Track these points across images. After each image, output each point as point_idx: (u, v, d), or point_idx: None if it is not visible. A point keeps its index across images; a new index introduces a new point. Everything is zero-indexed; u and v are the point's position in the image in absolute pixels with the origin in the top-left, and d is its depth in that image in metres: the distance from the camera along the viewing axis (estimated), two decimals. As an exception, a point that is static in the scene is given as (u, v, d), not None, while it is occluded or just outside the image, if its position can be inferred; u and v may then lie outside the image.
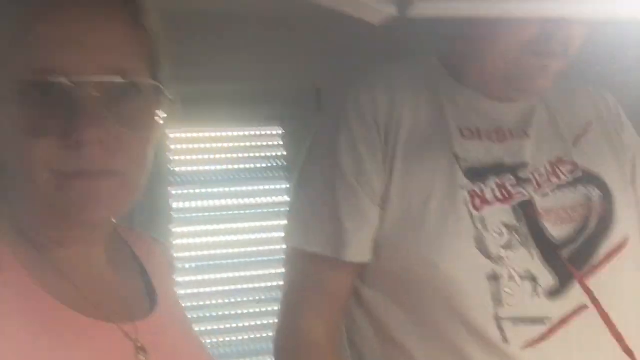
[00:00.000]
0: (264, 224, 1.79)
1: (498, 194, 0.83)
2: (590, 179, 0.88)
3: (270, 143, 1.82)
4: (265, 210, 1.80)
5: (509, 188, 0.84)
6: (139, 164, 0.61)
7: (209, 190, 1.76)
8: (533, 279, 0.80)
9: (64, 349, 0.56)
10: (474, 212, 0.81)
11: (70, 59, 0.55)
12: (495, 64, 0.84)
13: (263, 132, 1.82)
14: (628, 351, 0.80)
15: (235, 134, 1.80)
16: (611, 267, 0.83)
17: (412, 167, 0.83)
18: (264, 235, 1.78)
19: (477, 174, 0.83)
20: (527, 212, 0.83)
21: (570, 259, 0.82)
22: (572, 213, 0.85)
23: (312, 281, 0.87)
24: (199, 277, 1.69)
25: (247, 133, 1.81)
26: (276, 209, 1.80)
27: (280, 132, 1.82)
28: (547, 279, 0.81)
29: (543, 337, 0.78)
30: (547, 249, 0.82)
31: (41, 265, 0.60)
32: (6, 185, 0.61)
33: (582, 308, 0.81)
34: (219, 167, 1.78)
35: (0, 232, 0.58)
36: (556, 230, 0.83)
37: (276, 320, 0.91)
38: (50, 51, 0.55)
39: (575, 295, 0.81)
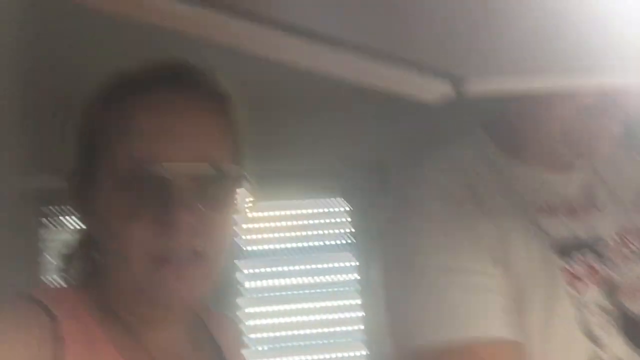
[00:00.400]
0: (334, 303, 1.76)
1: (587, 272, 0.78)
2: None
3: (337, 220, 1.82)
4: (335, 289, 1.78)
5: (594, 265, 0.79)
6: (222, 245, 0.64)
7: (279, 268, 1.76)
8: None
9: None
10: (573, 292, 0.76)
11: (165, 148, 0.59)
12: (554, 128, 0.80)
13: (329, 209, 1.83)
14: None
15: (303, 211, 1.81)
16: None
17: (505, 246, 0.77)
18: (334, 316, 1.75)
19: (563, 250, 0.79)
20: (613, 292, 0.78)
21: None
22: None
23: None
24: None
25: (314, 210, 1.82)
26: (344, 288, 1.77)
27: (347, 208, 1.82)
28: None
29: None
30: (633, 330, 0.76)
31: (129, 344, 0.62)
32: (102, 272, 0.65)
33: None
34: (287, 245, 1.79)
35: (91, 310, 0.62)
36: (637, 308, 0.78)
37: None
38: (147, 141, 0.60)
39: None
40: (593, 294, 0.77)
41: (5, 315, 0.57)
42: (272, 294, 1.75)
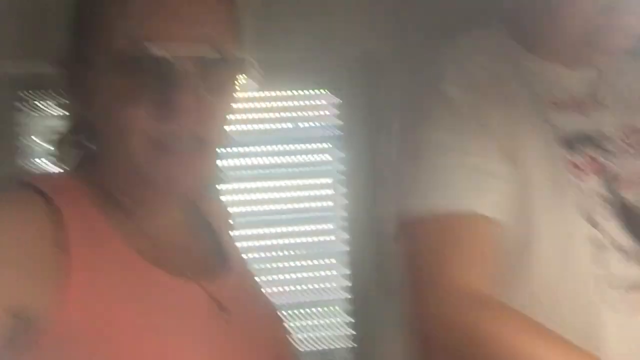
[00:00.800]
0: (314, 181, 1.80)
1: (590, 164, 0.84)
2: None
3: (323, 112, 1.82)
4: (314, 169, 1.81)
5: (597, 158, 0.85)
6: (221, 132, 0.64)
7: (258, 148, 1.78)
8: (621, 247, 0.82)
9: (151, 305, 0.59)
10: (574, 180, 0.82)
11: (165, 29, 0.57)
12: (573, 24, 0.83)
13: (318, 101, 1.82)
14: None
15: (290, 102, 1.81)
16: None
17: (514, 140, 0.82)
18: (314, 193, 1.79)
19: (567, 143, 0.84)
20: (613, 183, 0.85)
21: None
22: None
23: (461, 238, 0.80)
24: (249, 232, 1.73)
25: (301, 103, 1.82)
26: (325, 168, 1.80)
27: (335, 100, 1.82)
28: (634, 247, 0.82)
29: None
30: (631, 218, 0.83)
31: (129, 227, 0.63)
32: (99, 158, 0.64)
33: None
34: (272, 127, 1.80)
35: (90, 196, 0.62)
36: (631, 195, 0.85)
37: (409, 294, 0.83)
38: (147, 20, 0.57)
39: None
40: (593, 183, 0.84)
41: (4, 204, 0.56)
42: (260, 172, 1.78)
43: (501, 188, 0.80)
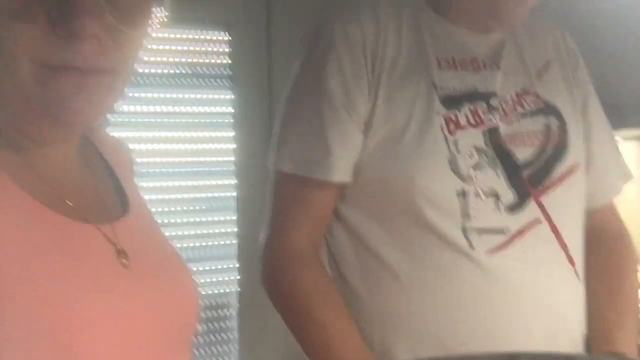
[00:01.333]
0: (207, 134, 1.75)
1: (471, 120, 0.91)
2: (550, 109, 0.97)
3: (215, 49, 1.74)
4: (209, 120, 1.76)
5: (481, 115, 0.92)
6: (130, 64, 0.57)
7: (148, 95, 1.67)
8: (496, 196, 0.90)
9: (47, 249, 0.54)
10: (449, 136, 0.89)
11: None
12: None
13: (209, 37, 1.74)
14: (570, 259, 0.93)
15: (180, 36, 1.70)
16: (562, 187, 0.94)
17: (394, 95, 0.90)
18: (206, 146, 1.74)
19: (452, 101, 0.91)
20: (495, 137, 0.92)
21: (529, 179, 0.93)
22: (533, 139, 0.94)
23: (299, 202, 0.93)
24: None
25: (192, 36, 1.71)
26: (219, 119, 1.76)
27: (226, 38, 1.74)
28: (508, 196, 0.91)
29: (503, 245, 0.89)
30: (510, 170, 0.92)
31: (17, 163, 0.56)
32: None
33: (536, 221, 0.91)
34: (159, 70, 1.69)
35: None
36: (519, 153, 0.93)
37: (260, 236, 0.97)
38: None
39: (530, 210, 0.91)
40: (470, 137, 0.91)
41: None
42: (146, 120, 1.68)
43: (355, 153, 0.90)
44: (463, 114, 0.91)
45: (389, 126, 0.89)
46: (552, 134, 0.95)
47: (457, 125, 0.90)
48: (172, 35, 1.67)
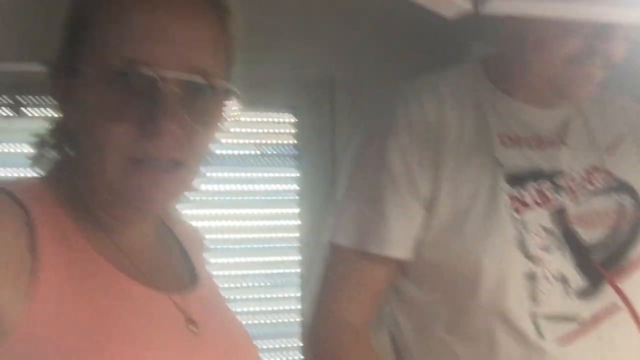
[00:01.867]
0: (273, 211, 1.80)
1: (537, 199, 0.89)
2: (623, 187, 0.93)
3: (281, 131, 1.82)
4: (275, 198, 1.81)
5: (547, 194, 0.90)
6: (200, 158, 0.64)
7: (218, 174, 1.75)
8: (565, 280, 0.86)
9: (126, 313, 0.59)
10: (515, 215, 0.87)
11: (158, 53, 0.57)
12: (541, 71, 0.89)
13: (275, 120, 1.82)
14: None
15: (247, 119, 1.79)
16: None
17: (458, 174, 0.89)
18: (272, 223, 1.79)
19: (517, 179, 0.89)
20: (562, 218, 0.89)
21: (602, 262, 0.88)
22: (604, 218, 0.91)
23: (353, 275, 0.91)
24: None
25: (259, 119, 1.81)
26: (285, 197, 1.81)
27: (292, 120, 1.82)
28: (577, 280, 0.87)
29: (576, 334, 0.84)
30: (579, 253, 0.88)
31: (103, 241, 0.63)
32: (75, 166, 0.64)
33: (614, 307, 0.86)
34: (228, 152, 1.77)
35: (63, 203, 0.61)
36: (588, 235, 0.89)
37: (303, 306, 1.01)
38: (140, 43, 0.57)
39: (605, 295, 0.87)
40: (537, 217, 0.88)
41: None
42: (214, 198, 1.75)
43: (416, 229, 0.89)
44: (528, 193, 0.88)
45: (453, 205, 0.87)
46: (627, 213, 0.91)
47: (524, 204, 0.87)
48: (240, 119, 1.77)
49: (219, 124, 0.64)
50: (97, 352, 0.54)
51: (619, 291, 0.86)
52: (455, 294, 0.87)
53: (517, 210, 0.87)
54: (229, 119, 0.66)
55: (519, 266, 0.85)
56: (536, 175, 0.90)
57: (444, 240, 0.88)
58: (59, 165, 0.66)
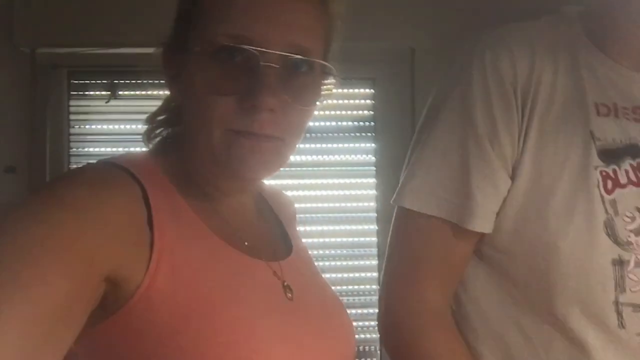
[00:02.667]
0: (352, 180, 1.84)
1: (632, 177, 0.79)
2: None
3: (360, 102, 1.84)
4: (353, 169, 1.85)
5: None
6: (298, 134, 0.67)
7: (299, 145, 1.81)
8: None
9: (228, 278, 0.63)
10: (605, 195, 0.77)
11: (261, 32, 0.60)
12: (636, 34, 0.81)
13: (354, 91, 1.84)
14: None
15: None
16: None
17: (545, 143, 0.78)
18: (351, 192, 1.83)
19: (611, 154, 0.79)
20: None
21: None
22: None
23: (435, 248, 0.81)
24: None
25: (338, 91, 1.83)
26: (363, 168, 1.84)
27: (371, 91, 1.84)
28: None
29: None
30: None
31: (208, 211, 0.67)
32: (181, 141, 0.68)
33: None
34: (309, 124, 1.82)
35: (175, 184, 0.66)
36: None
37: (380, 283, 0.87)
38: (244, 21, 0.61)
39: None
40: (631, 198, 0.78)
41: (101, 178, 0.59)
42: (294, 169, 1.81)
43: (501, 199, 0.79)
44: (623, 170, 0.78)
45: (537, 178, 0.78)
46: None
47: (616, 183, 0.78)
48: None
49: (317, 101, 0.67)
50: (211, 316, 0.58)
51: None
52: (526, 276, 0.79)
53: (607, 190, 0.77)
54: (325, 96, 0.68)
55: (607, 253, 0.76)
56: (635, 150, 0.80)
57: (523, 215, 0.78)
58: (166, 140, 0.71)
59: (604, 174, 0.78)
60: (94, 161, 0.63)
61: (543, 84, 0.80)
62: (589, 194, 0.77)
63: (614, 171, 0.78)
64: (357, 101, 1.84)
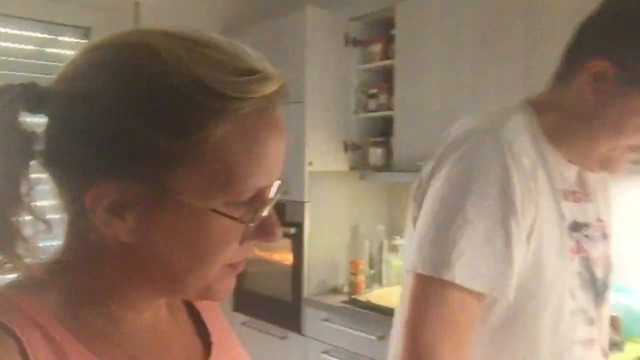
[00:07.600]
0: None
1: (574, 248, 0.97)
2: (609, 231, 1.07)
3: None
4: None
5: (581, 242, 0.99)
6: None
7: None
8: (585, 312, 0.99)
9: None
10: (567, 263, 0.96)
11: (276, 173, 0.59)
12: (599, 145, 0.96)
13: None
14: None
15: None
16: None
17: (543, 220, 0.93)
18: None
19: (570, 230, 0.97)
20: (588, 263, 1.00)
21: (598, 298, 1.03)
22: (605, 260, 1.04)
23: (460, 315, 0.91)
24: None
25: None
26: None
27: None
28: (592, 312, 1.01)
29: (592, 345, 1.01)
30: (595, 290, 1.01)
31: (102, 338, 0.58)
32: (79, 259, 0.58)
33: (597, 336, 1.02)
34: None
35: (63, 315, 0.56)
36: (599, 274, 1.02)
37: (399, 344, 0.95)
38: (269, 174, 0.58)
39: (600, 323, 1.03)
40: (576, 264, 0.98)
41: None
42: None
43: (512, 274, 0.91)
44: (571, 243, 0.97)
45: (537, 251, 0.93)
46: (610, 255, 1.05)
47: (571, 253, 0.96)
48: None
49: None
50: None
51: (600, 320, 1.02)
52: (530, 319, 0.95)
53: (569, 258, 0.96)
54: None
55: (567, 304, 0.96)
56: (575, 227, 0.98)
57: (524, 282, 0.93)
58: (49, 266, 0.58)
59: (567, 246, 0.96)
60: None
61: (539, 174, 0.95)
62: (563, 262, 0.96)
63: (569, 243, 0.97)
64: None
